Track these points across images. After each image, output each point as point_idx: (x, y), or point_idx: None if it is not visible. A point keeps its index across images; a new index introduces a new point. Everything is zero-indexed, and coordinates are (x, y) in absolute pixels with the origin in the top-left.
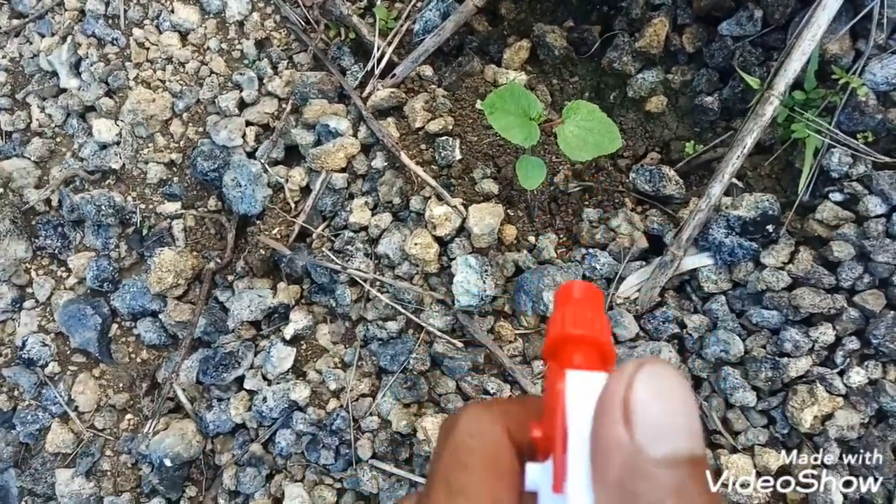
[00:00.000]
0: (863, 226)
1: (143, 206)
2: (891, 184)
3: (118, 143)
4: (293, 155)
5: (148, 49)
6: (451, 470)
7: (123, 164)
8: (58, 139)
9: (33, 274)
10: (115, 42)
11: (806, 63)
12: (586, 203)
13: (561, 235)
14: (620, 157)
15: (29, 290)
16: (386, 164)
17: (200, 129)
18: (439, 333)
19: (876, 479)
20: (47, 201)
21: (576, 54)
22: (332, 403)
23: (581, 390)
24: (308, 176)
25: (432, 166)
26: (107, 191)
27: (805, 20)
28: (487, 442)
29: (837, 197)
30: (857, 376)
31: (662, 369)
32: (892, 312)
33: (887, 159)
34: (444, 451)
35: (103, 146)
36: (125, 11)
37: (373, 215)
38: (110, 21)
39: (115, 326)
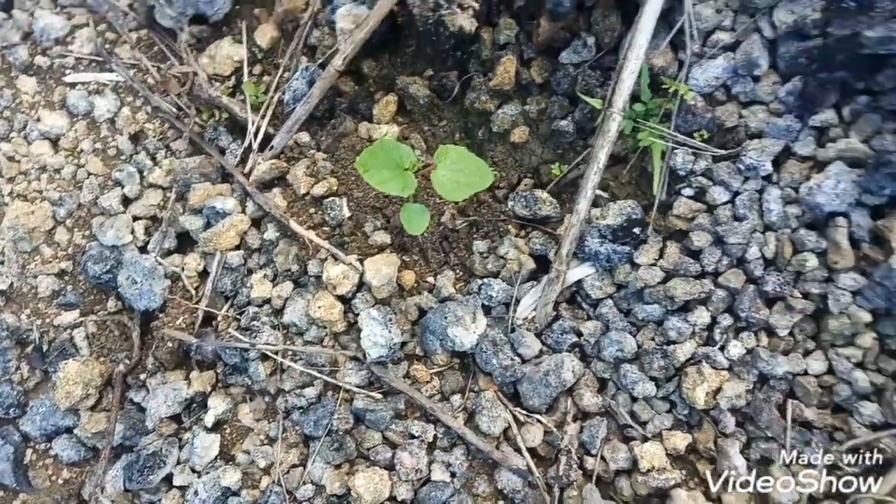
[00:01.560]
0: (714, 214)
1: (39, 321)
2: (729, 173)
3: (2, 263)
4: (185, 242)
5: (19, 162)
6: None
7: (11, 283)
8: None
9: None
10: None
11: (638, 78)
12: (475, 236)
13: (457, 271)
14: (497, 188)
15: None
16: (278, 234)
17: (87, 233)
18: (357, 389)
19: (772, 440)
20: None
21: (440, 100)
22: (265, 481)
23: None
24: (204, 260)
25: (324, 228)
26: None
27: (629, 42)
28: None
29: (688, 192)
30: (735, 349)
31: None
32: (752, 286)
33: (723, 152)
34: None
35: None
36: None
37: (273, 286)
38: None
39: (29, 451)
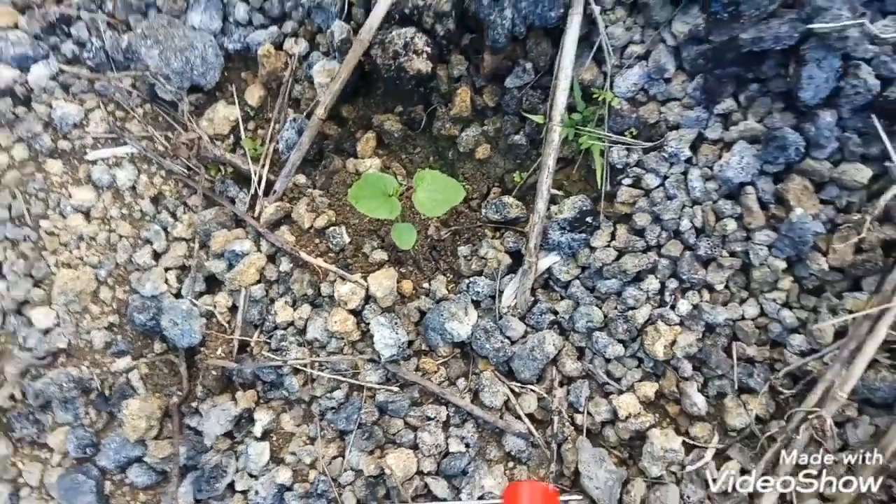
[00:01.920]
0: (650, 196)
1: (97, 371)
2: (657, 161)
3: (58, 325)
4: (213, 283)
5: (59, 235)
6: None
7: (69, 341)
8: (1, 339)
9: (20, 464)
10: (27, 238)
11: (571, 93)
12: (458, 243)
13: (447, 274)
14: (471, 199)
15: (20, 479)
16: (291, 265)
17: (127, 288)
18: (377, 386)
19: (723, 378)
20: (11, 397)
21: (411, 131)
22: (312, 474)
23: None
24: (231, 296)
25: (329, 254)
26: (62, 369)
27: (558, 64)
28: None
29: (627, 181)
30: (683, 306)
31: None
32: (688, 252)
33: (650, 144)
34: None
35: (46, 331)
36: (28, 210)
37: (294, 310)
38: (17, 221)
39: (108, 483)
